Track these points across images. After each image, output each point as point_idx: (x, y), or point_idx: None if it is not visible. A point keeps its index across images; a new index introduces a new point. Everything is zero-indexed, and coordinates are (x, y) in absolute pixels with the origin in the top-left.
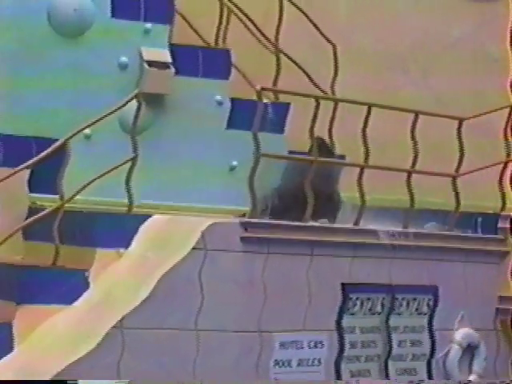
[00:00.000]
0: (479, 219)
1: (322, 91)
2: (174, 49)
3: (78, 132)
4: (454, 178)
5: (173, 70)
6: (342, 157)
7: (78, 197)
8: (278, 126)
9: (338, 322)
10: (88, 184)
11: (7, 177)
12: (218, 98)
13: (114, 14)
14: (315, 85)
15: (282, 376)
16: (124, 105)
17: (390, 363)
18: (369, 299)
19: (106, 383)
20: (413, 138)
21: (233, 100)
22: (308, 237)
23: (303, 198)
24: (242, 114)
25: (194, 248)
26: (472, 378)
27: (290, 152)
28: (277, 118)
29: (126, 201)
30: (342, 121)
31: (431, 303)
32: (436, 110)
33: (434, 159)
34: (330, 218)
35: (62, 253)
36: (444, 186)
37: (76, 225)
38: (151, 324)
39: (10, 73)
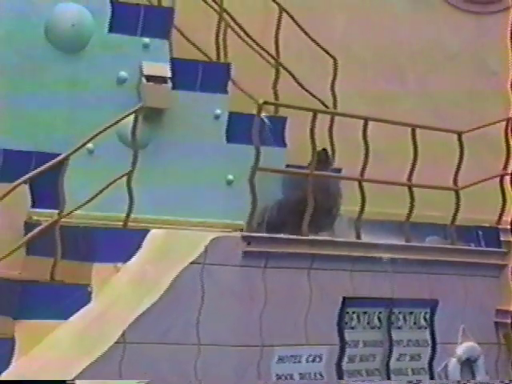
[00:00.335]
0: (480, 232)
1: (322, 103)
2: (174, 63)
3: (82, 146)
4: (457, 192)
5: (170, 84)
6: (339, 170)
7: (77, 212)
8: (278, 140)
9: (339, 336)
10: (89, 200)
11: (8, 192)
12: (218, 111)
13: (112, 29)
14: (314, 97)
15: None
16: (125, 117)
17: (392, 377)
18: (365, 313)
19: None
20: (414, 151)
21: (231, 114)
22: (309, 250)
23: (302, 211)
24: (240, 128)
25: (195, 262)
26: None
27: (288, 166)
28: (275, 131)
29: (123, 215)
30: (344, 130)
31: (428, 317)
32: (434, 121)
33: (434, 170)
34: (329, 232)
35: (58, 267)
36: (443, 200)
37: (74, 239)
38: (151, 338)
39: (9, 87)
